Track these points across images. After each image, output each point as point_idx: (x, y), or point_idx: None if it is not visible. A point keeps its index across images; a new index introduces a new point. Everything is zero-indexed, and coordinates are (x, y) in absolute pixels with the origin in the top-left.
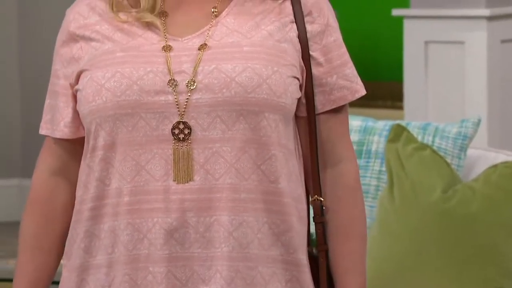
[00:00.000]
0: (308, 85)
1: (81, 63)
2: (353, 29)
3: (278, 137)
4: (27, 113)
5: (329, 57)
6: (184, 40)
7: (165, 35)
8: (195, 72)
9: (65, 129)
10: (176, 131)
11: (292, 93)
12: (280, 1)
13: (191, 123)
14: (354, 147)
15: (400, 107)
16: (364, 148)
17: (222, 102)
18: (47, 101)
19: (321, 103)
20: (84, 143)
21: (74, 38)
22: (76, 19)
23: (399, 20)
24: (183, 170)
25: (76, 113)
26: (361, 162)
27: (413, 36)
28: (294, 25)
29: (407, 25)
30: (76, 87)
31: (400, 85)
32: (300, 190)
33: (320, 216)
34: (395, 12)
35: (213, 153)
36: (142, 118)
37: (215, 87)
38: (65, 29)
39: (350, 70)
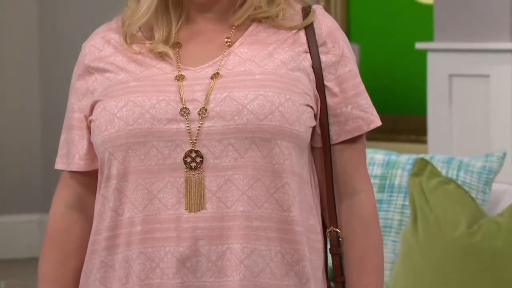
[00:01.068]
0: (322, 115)
1: (95, 94)
2: (376, 62)
3: (291, 165)
4: (48, 148)
5: (344, 87)
6: (197, 69)
7: (178, 65)
8: (207, 100)
9: (80, 162)
10: (188, 160)
11: (305, 121)
12: (294, 31)
13: (203, 151)
14: (377, 181)
15: (424, 141)
16: (387, 182)
17: (234, 129)
18: (62, 136)
19: (336, 134)
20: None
21: (89, 71)
22: (91, 52)
23: (423, 53)
24: (195, 199)
25: (91, 145)
26: (384, 196)
27: (437, 69)
28: (308, 55)
29: (431, 58)
30: (90, 118)
31: (424, 118)
32: (313, 219)
33: (336, 247)
34: (419, 45)
35: (225, 181)
36: (154, 146)
37: (226, 115)
38: (81, 63)
39: (365, 100)
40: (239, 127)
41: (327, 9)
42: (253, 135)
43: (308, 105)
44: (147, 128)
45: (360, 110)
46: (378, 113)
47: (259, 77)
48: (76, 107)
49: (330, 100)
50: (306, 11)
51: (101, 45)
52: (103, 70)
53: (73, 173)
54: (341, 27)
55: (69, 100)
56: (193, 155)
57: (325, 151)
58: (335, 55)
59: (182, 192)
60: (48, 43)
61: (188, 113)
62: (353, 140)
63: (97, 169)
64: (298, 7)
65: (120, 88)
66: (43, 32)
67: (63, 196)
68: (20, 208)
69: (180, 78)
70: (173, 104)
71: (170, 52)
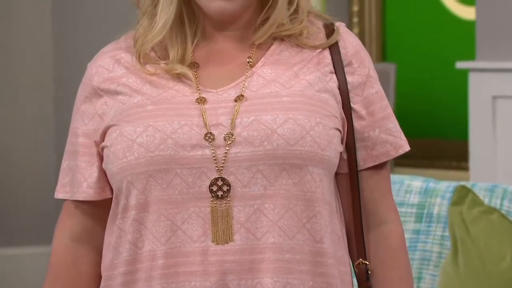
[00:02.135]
0: (349, 139)
1: (106, 118)
2: (414, 83)
3: (322, 192)
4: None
5: (371, 110)
6: (219, 91)
7: (198, 87)
8: (233, 125)
9: (89, 191)
10: (214, 188)
11: (335, 146)
12: (318, 51)
13: (230, 179)
14: (414, 210)
15: (466, 168)
16: (425, 211)
17: (263, 155)
18: (64, 163)
19: (363, 159)
20: (108, 205)
21: (98, 93)
22: (99, 72)
23: (464, 73)
24: (222, 230)
25: (102, 173)
26: (421, 226)
27: (480, 90)
28: (334, 76)
29: (473, 78)
30: (103, 144)
31: (466, 143)
32: (341, 251)
33: (365, 281)
34: (460, 65)
35: (254, 211)
36: (177, 174)
37: (255, 140)
38: (87, 84)
39: (393, 124)
40: (269, 153)
41: (361, 25)
42: (284, 162)
43: (337, 129)
44: (170, 154)
45: (388, 134)
46: (415, 138)
47: (287, 99)
48: (81, 131)
49: (357, 123)
50: (329, 29)
51: (111, 65)
52: (114, 93)
53: (79, 202)
54: (376, 45)
55: (72, 124)
56: (220, 183)
57: (352, 177)
58: (361, 75)
59: (208, 223)
60: (64, 67)
61: (213, 139)
62: (380, 166)
63: (107, 199)
64: (319, 24)
65: (137, 112)
66: (57, 39)
67: (67, 227)
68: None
69: (201, 101)
70: (196, 129)
71: (190, 73)
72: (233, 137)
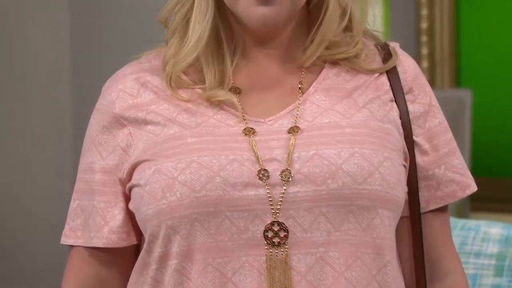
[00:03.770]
0: (412, 177)
1: (133, 152)
2: (492, 112)
3: (391, 239)
4: None
5: (435, 144)
6: (268, 121)
7: (244, 116)
8: (290, 160)
9: (111, 236)
10: (270, 234)
11: (403, 184)
12: (375, 75)
13: (288, 223)
14: (493, 262)
15: None
16: (506, 263)
17: (327, 196)
18: (74, 203)
19: (426, 200)
20: (129, 252)
21: (120, 122)
22: (121, 98)
23: None
24: (279, 282)
25: (127, 215)
26: (502, 281)
27: None
28: (395, 104)
29: None
30: (133, 182)
31: None
32: None
33: None
34: None
35: (316, 260)
36: (227, 218)
37: (317, 178)
38: (106, 112)
39: (459, 160)
40: (333, 192)
41: (431, 45)
42: (351, 203)
43: (403, 165)
44: (218, 195)
45: (454, 172)
46: (494, 177)
47: (350, 130)
48: (98, 167)
49: (420, 159)
50: (384, 50)
51: (135, 90)
52: (142, 122)
53: (94, 249)
54: (449, 68)
55: (84, 158)
56: (276, 228)
57: (414, 222)
58: (422, 104)
59: (264, 274)
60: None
61: (268, 176)
62: (442, 209)
63: (131, 246)
64: (370, 43)
65: (176, 145)
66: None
67: (79, 278)
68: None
69: (250, 132)
70: (247, 165)
71: (235, 100)
72: (291, 174)
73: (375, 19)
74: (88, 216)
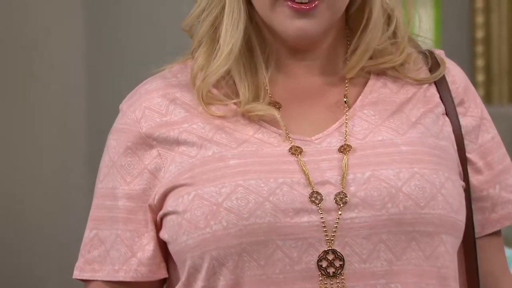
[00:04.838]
0: (466, 198)
1: (164, 176)
2: None
3: (455, 268)
4: None
5: (489, 161)
6: (315, 139)
7: (288, 134)
8: (344, 182)
9: (140, 269)
10: (324, 264)
11: (464, 208)
12: (424, 86)
13: (345, 252)
14: None
15: None
16: None
17: (387, 221)
18: (90, 233)
19: (480, 224)
20: (155, 286)
21: (148, 142)
22: (148, 116)
23: None
24: None
25: (158, 246)
26: None
27: None
28: (447, 118)
29: None
30: (167, 209)
31: None
32: None
33: None
34: None
35: None
36: (278, 247)
37: (375, 202)
38: (130, 131)
39: None
40: (394, 217)
41: (487, 56)
42: (413, 229)
43: (462, 185)
44: (269, 222)
45: (509, 192)
46: None
47: (406, 148)
48: (121, 192)
49: (473, 178)
50: (431, 58)
51: (163, 107)
52: (174, 142)
53: (118, 284)
54: (508, 81)
55: (103, 183)
56: (331, 257)
57: (469, 248)
58: (474, 117)
59: None
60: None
61: (321, 200)
62: (497, 233)
63: (159, 280)
64: (413, 51)
65: (217, 167)
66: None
67: None
68: None
69: (297, 151)
70: (298, 188)
71: (277, 115)
72: (347, 198)
73: (423, 26)
74: (109, 247)
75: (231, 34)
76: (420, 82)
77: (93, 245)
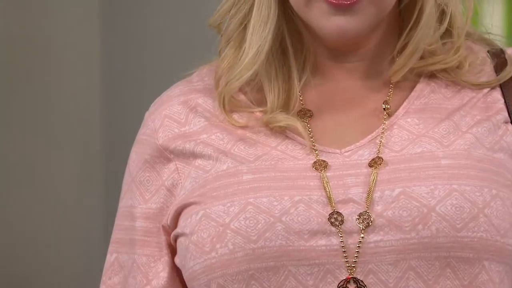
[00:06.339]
0: None
1: (179, 193)
2: None
3: None
4: None
5: None
6: (345, 152)
7: (314, 146)
8: (370, 201)
9: None
10: None
11: None
12: (485, 91)
13: (368, 280)
14: None
15: None
16: None
17: (417, 245)
18: (111, 257)
19: None
20: None
21: (165, 155)
22: (166, 126)
23: None
24: None
25: (172, 271)
26: None
27: None
28: (510, 127)
29: None
30: (177, 231)
31: None
32: None
33: None
34: None
35: None
36: (291, 274)
37: (404, 223)
38: (148, 143)
39: None
40: (425, 241)
41: None
42: (448, 254)
43: None
44: (280, 246)
45: None
46: None
47: (447, 162)
48: (139, 211)
49: None
50: (499, 59)
51: (183, 115)
52: (191, 155)
53: None
54: None
55: (124, 201)
56: (352, 286)
57: None
58: None
59: None
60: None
61: (342, 221)
62: None
63: None
64: (483, 51)
65: (229, 183)
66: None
67: None
68: None
69: (321, 166)
70: (316, 207)
71: (300, 126)
72: (371, 218)
73: (492, 20)
74: (127, 273)
75: (258, 34)
76: (479, 86)
77: (113, 270)
